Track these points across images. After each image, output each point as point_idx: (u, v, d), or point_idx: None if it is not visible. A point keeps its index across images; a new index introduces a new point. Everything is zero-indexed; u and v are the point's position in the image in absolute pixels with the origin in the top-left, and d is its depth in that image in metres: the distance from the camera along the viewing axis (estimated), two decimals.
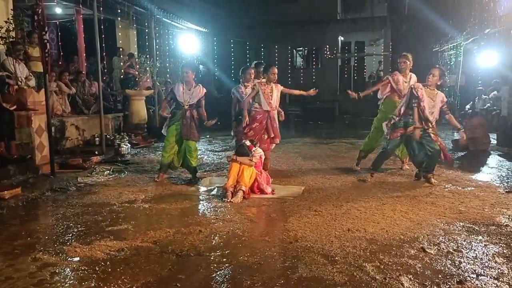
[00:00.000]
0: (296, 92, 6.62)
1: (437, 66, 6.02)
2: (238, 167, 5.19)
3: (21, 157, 6.29)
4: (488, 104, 12.73)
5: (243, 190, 5.00)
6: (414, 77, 6.35)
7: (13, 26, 7.34)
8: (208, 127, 6.28)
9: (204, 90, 5.99)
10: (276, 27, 20.17)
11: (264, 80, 6.20)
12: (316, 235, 3.77)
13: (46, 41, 6.25)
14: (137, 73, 11.10)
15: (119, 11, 11.42)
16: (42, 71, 6.71)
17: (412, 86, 5.70)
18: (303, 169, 6.88)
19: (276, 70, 6.15)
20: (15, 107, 6.41)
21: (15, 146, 6.36)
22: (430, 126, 5.59)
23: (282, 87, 6.29)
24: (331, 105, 19.13)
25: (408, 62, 6.37)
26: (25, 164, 6.27)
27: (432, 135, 5.58)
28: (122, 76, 11.36)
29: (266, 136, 6.20)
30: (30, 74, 7.34)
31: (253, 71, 6.53)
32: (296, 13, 20.09)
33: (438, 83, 5.64)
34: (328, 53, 20.45)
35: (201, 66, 18.52)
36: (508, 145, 8.23)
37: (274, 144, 6.43)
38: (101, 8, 9.59)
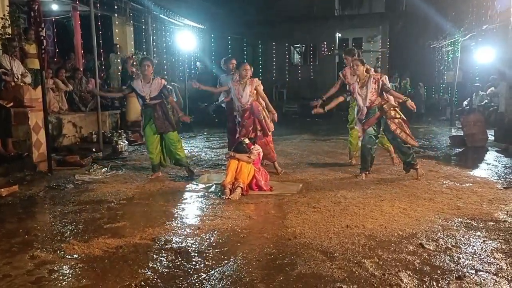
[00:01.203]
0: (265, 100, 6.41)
1: (355, 57, 6.08)
2: (236, 164, 5.18)
3: (18, 155, 6.26)
4: (486, 100, 12.76)
5: (241, 187, 5.00)
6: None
7: (9, 22, 7.31)
8: (184, 121, 6.37)
9: (164, 82, 6.03)
10: (273, 24, 20.14)
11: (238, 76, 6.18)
12: (314, 231, 3.76)
13: (42, 37, 6.22)
14: (134, 69, 11.08)
15: (115, 7, 11.38)
16: (38, 68, 6.67)
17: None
18: (301, 166, 6.88)
19: (247, 66, 6.11)
20: (11, 104, 6.38)
21: (12, 144, 6.33)
22: (386, 110, 5.60)
23: (257, 85, 6.15)
24: (328, 102, 19.12)
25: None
26: (22, 161, 6.25)
27: (390, 123, 5.60)
28: (122, 74, 11.35)
29: (259, 132, 6.17)
30: (26, 71, 7.31)
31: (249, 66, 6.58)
32: (294, 9, 20.04)
33: (364, 71, 5.72)
34: (326, 49, 20.44)
35: (198, 63, 18.48)
36: (506, 141, 8.24)
37: (269, 137, 6.30)
38: (98, 5, 9.56)
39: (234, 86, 6.15)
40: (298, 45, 21.91)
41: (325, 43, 20.32)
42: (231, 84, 6.23)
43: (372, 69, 6.16)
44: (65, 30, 13.03)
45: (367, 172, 5.93)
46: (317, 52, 20.85)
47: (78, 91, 10.10)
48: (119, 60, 12.00)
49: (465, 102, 13.92)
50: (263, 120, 6.12)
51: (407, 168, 5.83)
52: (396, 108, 5.71)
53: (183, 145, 6.46)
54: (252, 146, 5.43)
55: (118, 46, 12.38)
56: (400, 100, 5.79)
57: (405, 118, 5.74)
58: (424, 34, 18.06)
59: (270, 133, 6.26)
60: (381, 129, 5.83)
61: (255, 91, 6.15)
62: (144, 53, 11.36)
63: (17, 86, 6.66)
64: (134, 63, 11.13)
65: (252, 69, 6.33)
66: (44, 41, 6.29)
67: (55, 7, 11.63)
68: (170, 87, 6.87)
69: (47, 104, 6.67)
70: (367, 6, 21.14)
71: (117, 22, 12.86)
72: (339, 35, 21.22)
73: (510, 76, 8.89)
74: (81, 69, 10.91)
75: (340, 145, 9.29)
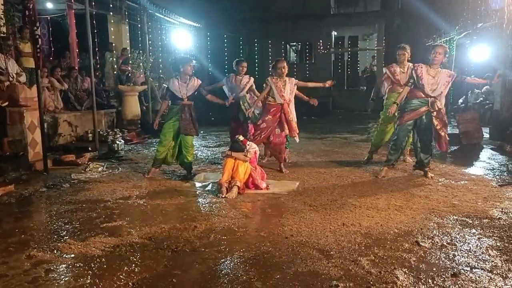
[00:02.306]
0: (311, 84, 6.60)
1: (440, 43, 5.97)
2: (233, 162, 5.19)
3: (13, 154, 6.24)
4: (481, 98, 12.81)
5: (238, 186, 5.00)
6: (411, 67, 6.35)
7: (4, 21, 7.27)
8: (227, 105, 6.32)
9: (199, 81, 5.98)
10: (269, 22, 20.12)
11: (274, 76, 6.27)
12: (311, 229, 3.78)
13: (37, 36, 6.18)
14: (130, 68, 11.05)
15: (111, 5, 11.33)
16: (33, 67, 6.64)
17: (411, 66, 5.73)
18: (297, 164, 6.89)
19: (283, 64, 6.20)
20: (7, 103, 6.35)
21: (8, 143, 6.31)
22: (436, 108, 5.45)
23: (296, 81, 6.33)
24: (325, 100, 19.11)
25: (406, 54, 6.42)
26: (17, 161, 6.23)
27: (434, 120, 5.51)
28: (115, 72, 11.30)
29: (279, 130, 6.27)
30: (21, 70, 7.27)
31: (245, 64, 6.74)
32: (290, 7, 20.05)
33: (444, 61, 5.57)
34: (322, 48, 20.45)
35: (194, 62, 18.43)
36: (501, 139, 8.29)
37: (296, 138, 6.43)
38: (93, 3, 9.53)
39: (273, 83, 6.16)
40: (294, 43, 21.91)
41: (321, 41, 20.33)
42: (270, 81, 6.21)
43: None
44: (60, 28, 12.96)
45: (392, 166, 5.88)
46: (313, 50, 20.86)
47: (73, 90, 10.06)
48: (114, 59, 11.96)
49: (461, 100, 13.98)
50: (291, 120, 6.21)
51: (419, 167, 5.79)
52: (443, 108, 5.58)
53: None
54: (248, 143, 5.45)
55: (113, 44, 12.34)
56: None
57: (446, 122, 5.67)
58: (419, 32, 18.08)
59: (287, 133, 6.31)
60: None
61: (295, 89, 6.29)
62: (140, 51, 11.31)
63: (12, 85, 6.62)
64: (130, 61, 11.09)
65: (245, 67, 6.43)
66: (39, 39, 6.25)
67: (50, 5, 11.59)
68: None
69: (42, 103, 6.64)
70: (363, 4, 21.18)
71: (112, 21, 12.81)
72: (335, 33, 21.24)
73: (505, 74, 8.93)
74: (77, 67, 10.86)
75: (336, 143, 9.32)
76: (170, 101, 5.98)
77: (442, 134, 5.57)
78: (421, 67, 5.50)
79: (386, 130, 6.61)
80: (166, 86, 6.17)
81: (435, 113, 5.50)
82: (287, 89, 6.19)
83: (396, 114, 5.85)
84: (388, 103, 6.47)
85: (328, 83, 6.51)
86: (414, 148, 5.84)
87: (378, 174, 5.86)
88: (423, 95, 5.48)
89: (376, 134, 6.83)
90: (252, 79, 6.88)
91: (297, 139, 6.51)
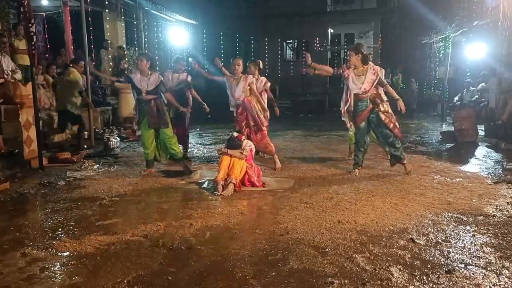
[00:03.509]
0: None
1: (351, 46, 6.23)
2: (229, 160, 5.19)
3: (8, 152, 6.21)
4: (476, 96, 12.85)
5: (233, 183, 5.00)
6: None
7: None
8: (185, 111, 6.61)
9: (160, 78, 6.06)
10: (266, 20, 20.10)
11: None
12: (306, 227, 3.79)
13: (32, 33, 6.15)
14: (125, 65, 11.01)
15: (106, 3, 11.29)
16: (28, 64, 6.61)
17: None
18: (293, 162, 6.90)
19: (237, 61, 6.14)
20: (1, 100, 6.32)
21: (3, 141, 6.28)
22: (378, 102, 5.63)
23: (250, 81, 6.20)
24: (321, 97, 19.17)
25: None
26: (13, 158, 6.20)
27: (381, 114, 5.64)
28: (110, 70, 11.26)
29: (254, 127, 6.21)
30: (16, 67, 7.23)
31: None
32: (286, 5, 20.02)
33: (359, 60, 5.66)
34: (318, 45, 20.44)
35: (190, 59, 18.40)
36: (496, 137, 8.32)
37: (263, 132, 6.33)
38: (89, 0, 9.47)
39: (228, 81, 6.20)
40: (291, 41, 21.89)
41: (317, 39, 20.33)
42: (225, 79, 6.26)
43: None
44: (56, 25, 12.90)
45: (360, 168, 5.96)
46: (309, 48, 20.82)
47: None
48: (110, 56, 11.92)
49: (456, 98, 14.03)
50: (256, 115, 6.14)
51: (394, 161, 5.88)
52: (386, 102, 5.74)
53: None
54: (243, 138, 5.44)
55: (109, 42, 12.30)
56: (395, 98, 5.80)
57: (392, 113, 5.78)
58: (416, 30, 18.11)
59: (264, 128, 6.28)
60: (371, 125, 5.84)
61: (249, 88, 6.17)
62: (136, 48, 11.29)
63: (7, 82, 6.59)
64: (126, 58, 11.06)
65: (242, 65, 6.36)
66: (34, 37, 6.23)
67: (45, 2, 11.52)
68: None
69: (37, 100, 6.61)
70: (359, 2, 21.16)
71: (108, 18, 12.76)
72: (331, 31, 21.23)
73: (500, 72, 8.97)
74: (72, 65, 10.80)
75: (332, 141, 9.33)
76: (137, 98, 6.05)
77: (391, 125, 5.69)
78: (348, 72, 5.78)
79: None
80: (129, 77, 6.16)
81: (379, 108, 5.65)
82: (240, 87, 6.12)
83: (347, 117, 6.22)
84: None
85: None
86: (383, 147, 6.06)
87: (352, 173, 5.91)
88: (363, 96, 5.68)
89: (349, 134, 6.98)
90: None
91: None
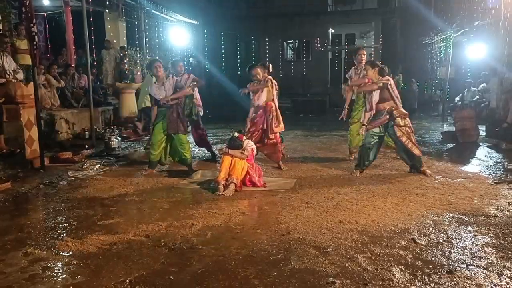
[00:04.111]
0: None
1: (367, 62, 6.13)
2: (230, 160, 5.19)
3: (10, 152, 6.22)
4: (477, 96, 12.85)
5: (235, 183, 5.01)
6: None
7: (0, 18, 7.23)
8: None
9: (175, 78, 6.07)
10: (266, 20, 20.11)
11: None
12: (308, 227, 3.79)
13: (34, 33, 6.16)
14: (126, 66, 11.02)
15: (108, 3, 11.30)
16: (30, 64, 6.62)
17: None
18: (294, 162, 6.90)
19: (257, 70, 6.18)
20: (3, 100, 6.33)
21: (4, 140, 6.29)
22: (395, 116, 5.59)
23: (269, 84, 6.26)
24: (321, 97, 19.16)
25: (359, 57, 6.61)
26: (14, 158, 6.21)
27: (397, 130, 5.58)
28: (113, 70, 11.28)
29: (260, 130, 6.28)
30: (18, 67, 7.24)
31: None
32: (286, 5, 20.03)
33: (377, 73, 5.69)
34: (319, 45, 20.44)
35: (191, 59, 18.41)
36: (497, 137, 8.32)
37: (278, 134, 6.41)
38: (90, 0, 9.48)
39: (250, 87, 6.26)
40: (291, 41, 21.89)
41: (318, 39, 20.32)
42: (249, 86, 6.30)
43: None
44: (57, 25, 12.92)
45: (361, 170, 5.95)
46: (310, 48, 20.85)
47: (70, 87, 10.03)
48: (111, 56, 11.93)
49: (457, 98, 14.03)
50: (270, 120, 6.21)
51: (414, 170, 5.87)
52: (406, 116, 5.67)
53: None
54: (244, 138, 5.45)
55: (110, 42, 12.31)
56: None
57: (412, 128, 5.76)
58: (416, 30, 18.12)
59: (272, 136, 6.26)
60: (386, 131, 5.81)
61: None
62: (137, 49, 11.29)
63: (9, 82, 6.60)
64: (127, 59, 11.06)
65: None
66: (36, 36, 6.22)
67: (46, 2, 11.53)
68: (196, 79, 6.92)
69: (39, 100, 6.62)
70: (360, 2, 21.15)
71: (109, 18, 12.77)
72: (332, 31, 21.23)
73: (501, 72, 8.97)
74: (73, 65, 10.83)
75: (333, 141, 9.33)
76: (155, 105, 6.03)
77: (409, 145, 5.62)
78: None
79: (353, 130, 6.80)
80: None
81: (396, 121, 5.59)
82: (258, 93, 6.21)
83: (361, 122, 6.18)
84: (356, 103, 6.77)
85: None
86: (401, 157, 6.05)
87: (353, 173, 5.92)
88: (381, 107, 5.66)
89: (348, 134, 7.03)
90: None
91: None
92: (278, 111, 6.37)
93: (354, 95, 6.82)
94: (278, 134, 6.37)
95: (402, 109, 5.69)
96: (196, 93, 7.15)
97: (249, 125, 6.29)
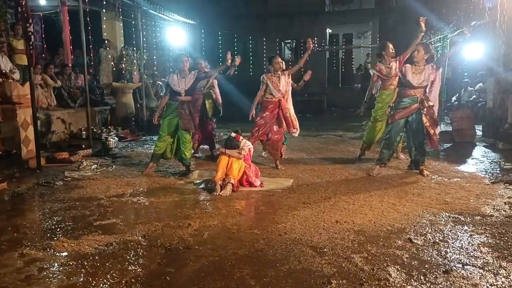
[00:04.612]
0: (301, 62, 6.70)
1: (421, 42, 6.02)
2: (227, 160, 5.19)
3: (6, 152, 6.20)
4: (474, 96, 12.86)
5: (232, 183, 5.00)
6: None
7: None
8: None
9: (195, 73, 6.07)
10: (264, 20, 20.08)
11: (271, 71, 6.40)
12: (304, 227, 3.79)
13: (30, 33, 6.13)
14: (123, 65, 11.00)
15: (104, 2, 11.27)
16: (26, 64, 6.60)
17: (395, 60, 5.99)
18: (291, 162, 6.90)
19: (279, 59, 6.41)
20: None
21: (0, 141, 6.27)
22: (426, 105, 5.54)
23: (287, 71, 6.50)
24: (319, 97, 19.14)
25: (390, 50, 6.50)
26: (10, 158, 6.19)
27: (424, 117, 5.57)
28: (114, 69, 11.26)
29: (277, 127, 6.39)
30: (14, 67, 7.22)
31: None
32: (284, 5, 20.02)
33: (425, 58, 5.61)
34: (316, 45, 20.44)
35: (187, 57, 18.37)
36: (493, 137, 8.34)
37: (295, 134, 6.61)
38: (86, 0, 9.45)
39: (268, 80, 6.32)
40: (289, 41, 21.88)
41: (315, 39, 20.29)
42: (266, 78, 6.35)
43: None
44: (54, 25, 12.89)
45: (384, 165, 5.90)
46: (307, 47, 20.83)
47: (67, 87, 10.01)
48: (109, 56, 11.91)
49: (454, 98, 14.05)
50: (289, 117, 6.32)
51: (414, 166, 5.86)
52: (434, 108, 5.68)
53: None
54: (241, 138, 5.45)
55: (107, 41, 12.28)
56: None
57: (437, 121, 5.77)
58: (414, 30, 18.13)
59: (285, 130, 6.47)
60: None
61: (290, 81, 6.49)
62: (134, 48, 11.26)
63: (5, 82, 6.58)
64: (124, 58, 11.05)
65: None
66: (32, 36, 6.20)
67: (43, 2, 11.50)
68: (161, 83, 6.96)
69: (35, 100, 6.60)
70: (358, 2, 21.16)
71: (106, 18, 12.74)
72: (330, 31, 21.24)
73: (498, 72, 8.99)
74: (70, 64, 10.80)
75: (330, 141, 9.34)
76: (169, 97, 6.01)
77: (432, 131, 5.64)
78: (405, 66, 5.67)
79: (377, 128, 6.67)
80: (167, 81, 6.19)
81: (425, 110, 5.58)
82: (283, 83, 6.35)
83: (387, 112, 6.02)
84: (379, 100, 6.57)
85: (306, 76, 6.86)
86: (409, 148, 5.92)
87: (371, 171, 5.88)
88: (413, 93, 5.57)
89: (367, 132, 6.88)
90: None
91: (295, 134, 6.64)
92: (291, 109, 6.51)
93: (375, 91, 6.78)
94: (283, 132, 6.50)
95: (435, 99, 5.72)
96: (216, 89, 7.28)
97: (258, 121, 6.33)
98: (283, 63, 6.56)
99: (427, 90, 5.78)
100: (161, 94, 9.84)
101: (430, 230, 3.68)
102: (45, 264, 3.12)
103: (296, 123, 6.51)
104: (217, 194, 4.88)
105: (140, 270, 2.99)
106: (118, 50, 12.09)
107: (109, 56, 11.83)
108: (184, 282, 2.82)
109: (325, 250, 3.28)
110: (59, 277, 2.93)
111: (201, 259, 3.15)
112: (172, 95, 5.96)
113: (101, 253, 3.30)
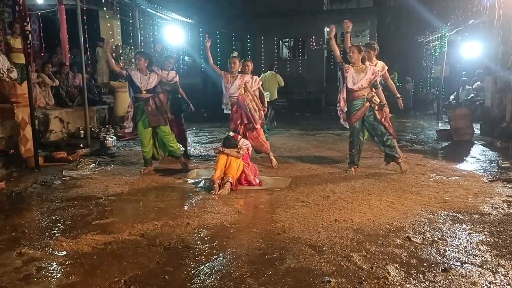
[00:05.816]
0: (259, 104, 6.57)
1: (353, 44, 6.15)
2: (226, 159, 5.18)
3: (4, 151, 6.17)
4: (472, 95, 12.90)
5: (230, 182, 5.00)
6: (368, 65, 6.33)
7: None
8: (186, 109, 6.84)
9: (159, 77, 6.12)
10: (262, 18, 20.08)
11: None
12: (303, 226, 3.79)
13: (28, 32, 6.12)
14: (121, 64, 10.97)
15: (102, 1, 11.25)
16: (24, 63, 6.57)
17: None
18: (290, 161, 6.90)
19: (235, 60, 6.33)
20: None
21: None
22: (376, 102, 5.67)
23: (247, 80, 6.30)
24: (317, 96, 19.18)
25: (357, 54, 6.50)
26: (8, 158, 6.16)
27: (377, 113, 5.69)
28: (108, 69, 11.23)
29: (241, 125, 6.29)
30: (12, 66, 7.19)
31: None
32: (282, 3, 20.01)
33: (361, 58, 5.79)
34: (314, 44, 20.45)
35: (186, 58, 18.37)
36: (491, 135, 8.35)
37: (259, 131, 6.40)
38: None
39: (224, 77, 6.29)
40: (287, 40, 21.89)
41: (313, 37, 20.34)
42: (222, 74, 6.33)
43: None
44: (51, 24, 12.85)
45: (356, 166, 5.97)
46: (305, 46, 20.86)
47: (64, 86, 9.99)
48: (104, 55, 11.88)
49: (452, 97, 14.09)
50: (250, 113, 6.19)
51: (389, 160, 5.91)
52: (385, 104, 5.76)
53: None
54: (239, 138, 5.45)
55: (107, 39, 12.23)
56: (395, 96, 6.15)
57: (388, 114, 5.85)
58: (412, 28, 18.15)
59: (258, 126, 6.30)
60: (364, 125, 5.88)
61: (244, 86, 6.25)
62: (132, 47, 11.24)
63: (2, 81, 6.55)
64: (121, 57, 11.01)
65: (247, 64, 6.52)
66: (30, 35, 6.19)
67: (40, 0, 11.47)
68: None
69: (33, 99, 6.58)
70: (356, 1, 21.21)
71: (103, 16, 12.71)
72: (328, 29, 21.25)
73: (496, 70, 9.00)
74: (68, 63, 10.77)
75: (329, 139, 9.34)
76: (133, 96, 6.03)
77: (386, 124, 5.75)
78: (347, 68, 5.81)
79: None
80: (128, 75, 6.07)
81: (376, 106, 5.70)
82: (234, 85, 6.23)
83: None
84: None
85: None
86: (378, 147, 6.06)
87: (348, 172, 5.93)
88: (361, 94, 5.71)
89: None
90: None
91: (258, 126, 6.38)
92: (255, 101, 6.39)
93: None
94: (260, 128, 6.38)
95: (381, 94, 5.78)
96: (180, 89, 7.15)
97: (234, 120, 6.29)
98: (249, 66, 6.50)
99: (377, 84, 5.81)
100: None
101: (428, 229, 3.68)
102: (44, 263, 3.11)
103: (256, 116, 6.29)
104: (216, 193, 4.88)
105: (138, 269, 2.98)
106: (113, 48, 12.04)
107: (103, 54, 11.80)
108: (183, 281, 2.82)
109: (324, 248, 3.28)
110: (57, 276, 2.92)
111: (200, 258, 3.15)
112: (132, 89, 6.00)
113: (100, 252, 3.29)
